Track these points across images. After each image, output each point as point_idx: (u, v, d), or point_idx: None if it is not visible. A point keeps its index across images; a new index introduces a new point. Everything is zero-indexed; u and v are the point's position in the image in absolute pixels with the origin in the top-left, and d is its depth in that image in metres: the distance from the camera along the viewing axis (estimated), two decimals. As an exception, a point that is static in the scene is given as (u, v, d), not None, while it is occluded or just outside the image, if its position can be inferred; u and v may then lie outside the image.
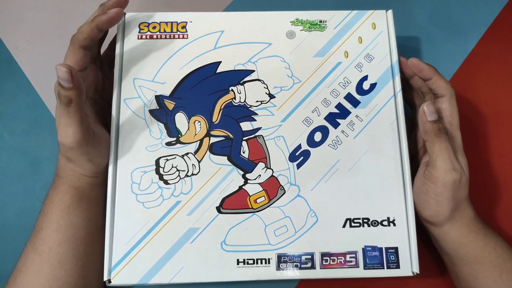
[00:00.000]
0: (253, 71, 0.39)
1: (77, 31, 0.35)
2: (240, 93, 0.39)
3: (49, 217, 0.35)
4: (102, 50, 0.41)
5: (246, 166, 0.37)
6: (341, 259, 0.36)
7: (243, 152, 0.38)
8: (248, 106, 0.39)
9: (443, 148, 0.35)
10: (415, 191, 0.37)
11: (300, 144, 0.38)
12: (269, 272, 0.35)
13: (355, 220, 0.36)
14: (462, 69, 0.47)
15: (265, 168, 0.37)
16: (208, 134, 0.38)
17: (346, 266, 0.36)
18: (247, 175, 0.37)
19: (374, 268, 0.36)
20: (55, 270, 0.34)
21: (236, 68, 0.39)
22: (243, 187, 0.37)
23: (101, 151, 0.36)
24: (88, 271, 0.36)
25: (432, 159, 0.35)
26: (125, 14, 0.40)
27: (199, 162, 0.37)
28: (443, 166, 0.35)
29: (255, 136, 0.38)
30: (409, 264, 0.36)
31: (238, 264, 0.35)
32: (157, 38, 0.40)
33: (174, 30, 0.40)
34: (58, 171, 0.37)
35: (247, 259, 0.35)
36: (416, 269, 0.35)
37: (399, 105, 0.39)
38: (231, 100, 0.39)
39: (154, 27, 0.40)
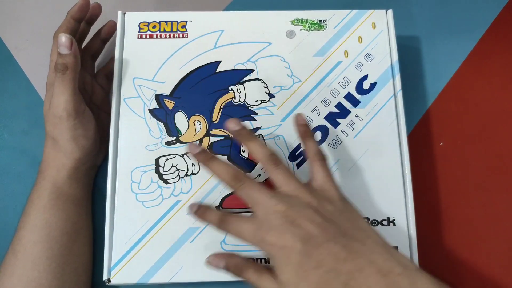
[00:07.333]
0: (253, 70, 0.39)
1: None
2: (240, 93, 0.39)
3: (27, 217, 0.35)
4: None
5: (246, 166, 0.37)
6: (341, 258, 0.36)
7: (243, 152, 0.38)
8: (248, 105, 0.39)
9: None
10: None
11: (300, 144, 0.38)
12: (269, 272, 0.35)
13: (355, 220, 0.36)
14: (462, 69, 0.47)
15: (265, 168, 0.37)
16: (208, 134, 0.38)
17: (346, 266, 0.35)
18: (247, 175, 0.37)
19: (374, 268, 0.35)
20: (28, 271, 0.34)
21: (236, 68, 0.39)
22: (243, 186, 0.37)
23: (87, 131, 0.36)
24: (64, 273, 0.35)
25: None
26: (125, 14, 0.40)
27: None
28: None
29: (255, 136, 0.38)
30: (409, 263, 0.36)
31: (237, 263, 0.35)
32: (157, 37, 0.40)
33: (174, 29, 0.40)
34: (41, 165, 0.37)
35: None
36: (416, 269, 0.35)
37: (399, 104, 0.39)
38: (231, 99, 0.39)
39: (154, 27, 0.40)
